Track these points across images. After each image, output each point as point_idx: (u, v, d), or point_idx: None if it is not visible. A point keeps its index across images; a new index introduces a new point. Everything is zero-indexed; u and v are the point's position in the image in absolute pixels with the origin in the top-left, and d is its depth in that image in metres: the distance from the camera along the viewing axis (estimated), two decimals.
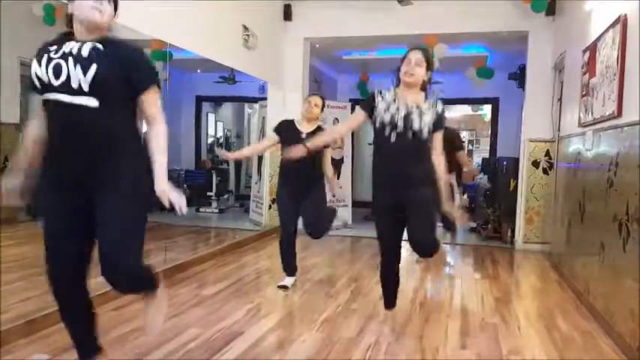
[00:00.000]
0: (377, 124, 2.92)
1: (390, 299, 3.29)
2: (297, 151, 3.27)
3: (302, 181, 4.04)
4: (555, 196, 5.64)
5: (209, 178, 9.18)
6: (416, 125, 2.85)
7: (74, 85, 1.91)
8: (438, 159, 2.98)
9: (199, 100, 10.23)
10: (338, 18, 6.68)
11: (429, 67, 2.95)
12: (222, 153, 4.37)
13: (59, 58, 1.95)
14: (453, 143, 5.00)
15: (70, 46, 1.98)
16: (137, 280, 2.16)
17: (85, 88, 1.91)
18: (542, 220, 6.16)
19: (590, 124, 4.07)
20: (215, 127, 11.48)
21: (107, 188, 1.99)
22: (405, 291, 4.23)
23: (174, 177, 8.57)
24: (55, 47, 2.00)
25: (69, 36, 2.05)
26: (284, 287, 4.16)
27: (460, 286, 4.51)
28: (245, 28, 5.85)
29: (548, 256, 5.68)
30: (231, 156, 4.76)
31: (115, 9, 2.09)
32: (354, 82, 9.92)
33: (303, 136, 3.99)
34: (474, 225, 7.54)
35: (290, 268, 4.25)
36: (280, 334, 3.19)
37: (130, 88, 2.01)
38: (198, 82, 9.82)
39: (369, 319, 3.49)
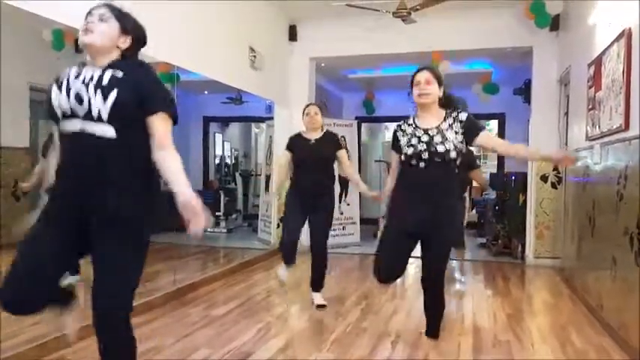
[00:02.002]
0: (403, 158, 2.94)
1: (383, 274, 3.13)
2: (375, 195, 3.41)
3: (313, 200, 4.08)
4: (565, 210, 5.61)
5: (217, 198, 9.21)
6: (440, 149, 2.82)
7: (94, 113, 1.85)
8: (512, 148, 2.99)
9: (207, 120, 10.32)
10: (342, 37, 6.74)
11: (441, 82, 2.94)
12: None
13: (81, 84, 1.89)
14: (469, 162, 5.04)
15: (91, 73, 1.91)
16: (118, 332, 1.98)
17: (105, 116, 1.85)
18: (553, 235, 6.12)
19: (598, 138, 4.07)
20: (222, 147, 11.55)
21: (109, 233, 1.89)
22: (415, 309, 4.20)
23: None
24: (74, 73, 1.94)
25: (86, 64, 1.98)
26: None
27: (471, 303, 4.48)
28: (251, 49, 5.92)
29: (560, 271, 5.63)
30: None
31: (125, 30, 1.97)
32: (359, 100, 9.98)
33: (312, 142, 4.10)
34: (483, 241, 7.49)
35: (289, 258, 4.25)
36: (290, 355, 3.16)
37: (143, 113, 1.92)
38: (206, 103, 9.90)
39: (381, 337, 3.46)
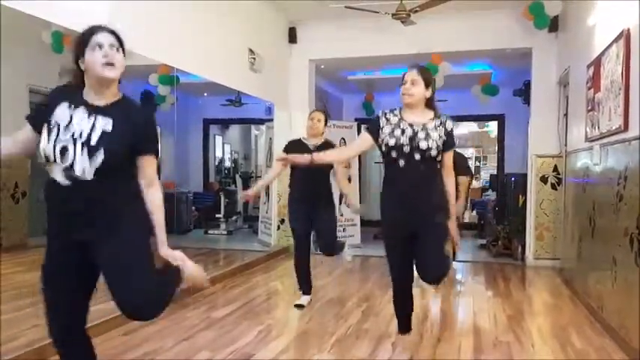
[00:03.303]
0: (383, 148, 2.86)
1: (403, 323, 3.16)
2: (301, 159, 3.16)
3: (313, 200, 4.11)
4: (565, 211, 5.61)
5: (217, 200, 9.21)
6: (423, 145, 2.77)
7: (77, 171, 1.85)
8: (448, 179, 2.90)
9: (207, 122, 10.33)
10: (342, 39, 6.75)
11: (428, 84, 2.87)
12: (244, 195, 4.47)
13: (69, 138, 1.87)
14: (458, 167, 5.00)
15: (81, 128, 1.89)
16: (158, 300, 2.09)
17: (89, 176, 1.86)
18: (553, 236, 6.12)
19: (597, 139, 4.07)
20: (222, 149, 11.56)
21: (107, 237, 1.93)
22: (416, 311, 4.19)
23: (183, 200, 8.62)
24: (64, 119, 1.90)
25: (77, 89, 1.96)
26: (300, 306, 4.17)
27: (472, 304, 4.47)
28: (251, 51, 5.92)
29: (560, 272, 5.62)
30: (252, 193, 4.60)
31: (124, 55, 1.99)
32: (359, 102, 9.98)
33: (311, 148, 4.11)
34: (483, 242, 7.49)
35: (306, 285, 4.29)
36: (292, 356, 3.16)
37: (132, 152, 1.96)
38: (206, 105, 9.91)
39: (381, 339, 3.46)
